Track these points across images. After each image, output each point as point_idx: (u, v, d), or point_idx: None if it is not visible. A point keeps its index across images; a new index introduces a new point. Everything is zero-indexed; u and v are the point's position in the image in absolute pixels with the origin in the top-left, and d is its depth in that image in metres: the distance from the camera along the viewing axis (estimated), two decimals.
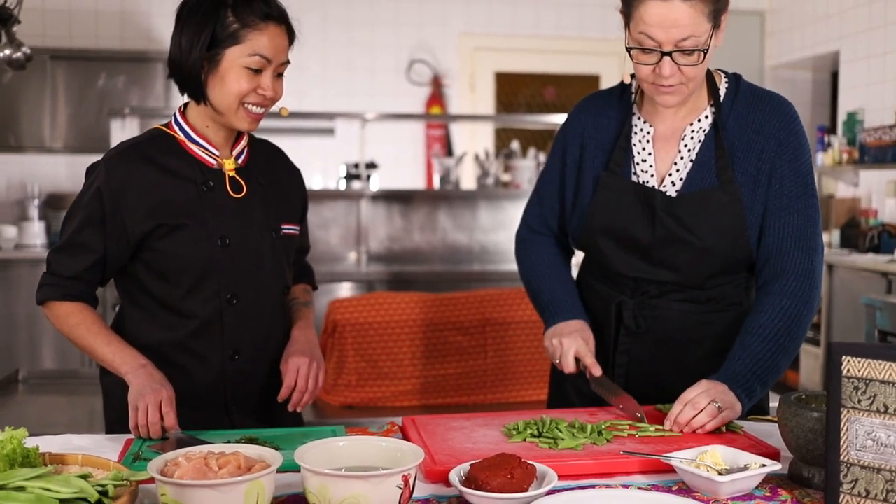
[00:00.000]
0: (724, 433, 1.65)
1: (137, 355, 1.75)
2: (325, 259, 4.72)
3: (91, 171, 1.83)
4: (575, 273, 2.09)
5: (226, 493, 1.20)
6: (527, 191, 5.15)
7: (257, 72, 1.76)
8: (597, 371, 1.85)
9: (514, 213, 5.20)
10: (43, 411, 2.97)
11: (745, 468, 1.41)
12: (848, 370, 1.27)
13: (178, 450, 1.33)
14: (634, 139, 1.92)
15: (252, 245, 1.85)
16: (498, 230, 5.24)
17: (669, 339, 1.91)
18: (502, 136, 7.20)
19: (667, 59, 1.72)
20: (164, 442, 1.61)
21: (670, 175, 1.87)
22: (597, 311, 1.99)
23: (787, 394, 1.49)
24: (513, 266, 2.14)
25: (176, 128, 1.86)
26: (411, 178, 6.91)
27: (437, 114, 6.80)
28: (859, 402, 1.26)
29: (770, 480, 1.44)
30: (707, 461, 1.42)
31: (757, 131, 1.84)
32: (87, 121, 6.08)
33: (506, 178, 5.29)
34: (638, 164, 1.90)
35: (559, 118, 4.92)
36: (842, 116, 6.27)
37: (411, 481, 1.28)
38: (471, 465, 1.38)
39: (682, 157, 1.87)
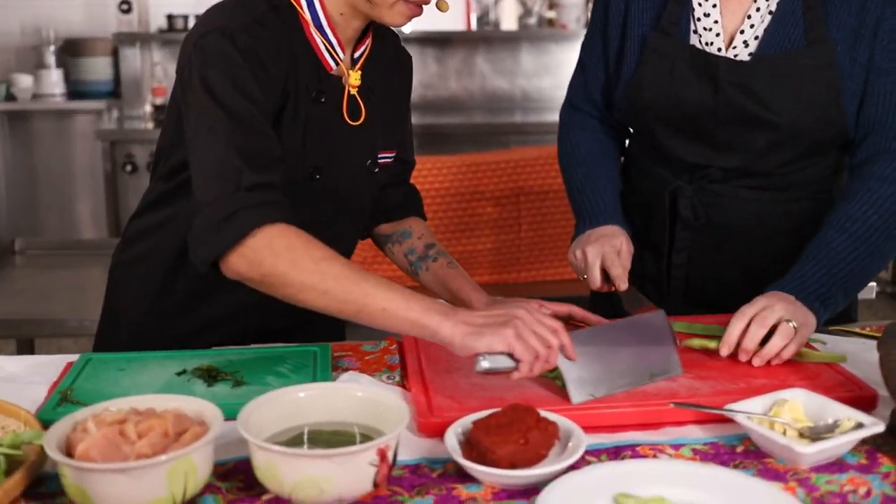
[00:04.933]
0: (800, 362, 1.31)
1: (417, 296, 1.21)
2: None
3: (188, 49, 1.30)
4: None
5: (139, 478, 0.90)
6: (574, 31, 4.70)
7: None
8: (622, 285, 1.44)
9: (559, 55, 4.79)
10: (42, 286, 2.71)
11: (835, 426, 1.07)
12: None
13: (92, 406, 1.03)
14: None
15: (344, 179, 1.45)
16: (542, 75, 4.85)
17: (737, 233, 1.55)
18: None
19: None
20: None
21: (742, 33, 1.48)
22: (649, 197, 1.61)
23: (892, 324, 1.14)
24: (557, 116, 1.74)
25: (304, 3, 1.36)
26: (447, 18, 6.37)
27: None
28: None
29: (866, 440, 1.10)
30: (784, 417, 1.09)
31: None
32: None
33: (550, 15, 4.81)
34: (699, 19, 1.50)
35: None
36: None
37: (390, 454, 0.97)
38: (473, 422, 1.07)
39: (757, 10, 1.47)
